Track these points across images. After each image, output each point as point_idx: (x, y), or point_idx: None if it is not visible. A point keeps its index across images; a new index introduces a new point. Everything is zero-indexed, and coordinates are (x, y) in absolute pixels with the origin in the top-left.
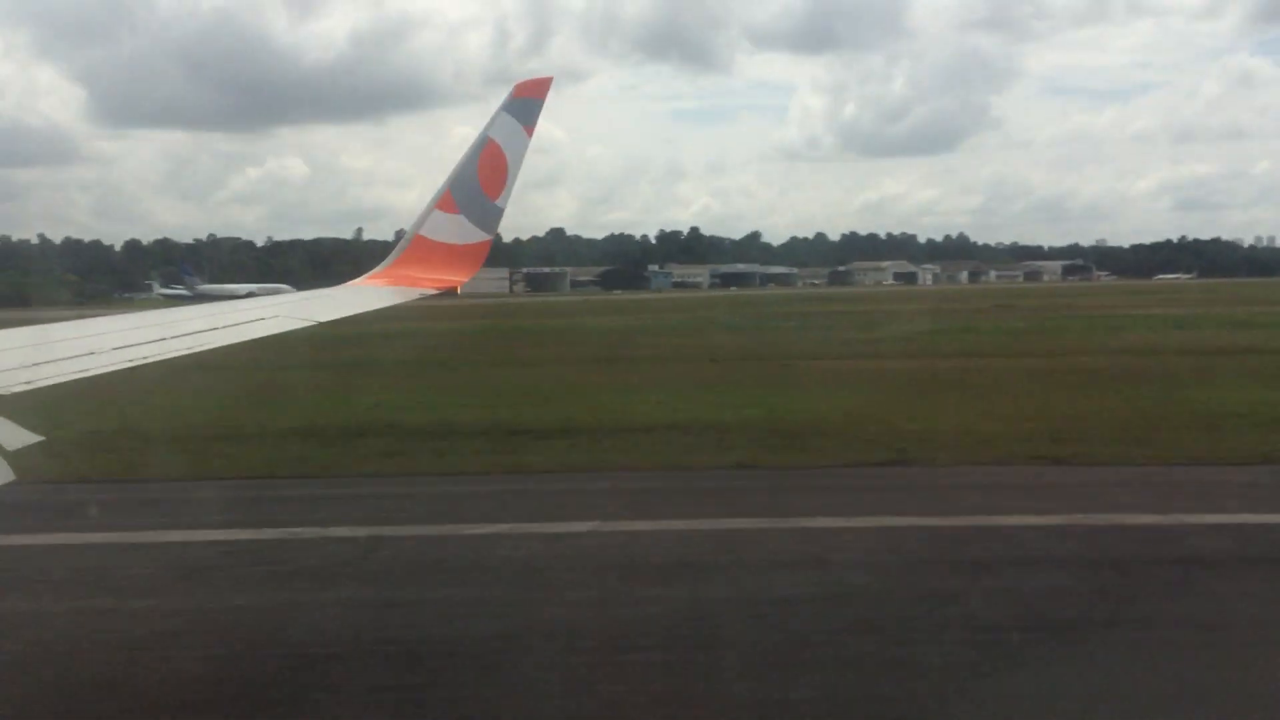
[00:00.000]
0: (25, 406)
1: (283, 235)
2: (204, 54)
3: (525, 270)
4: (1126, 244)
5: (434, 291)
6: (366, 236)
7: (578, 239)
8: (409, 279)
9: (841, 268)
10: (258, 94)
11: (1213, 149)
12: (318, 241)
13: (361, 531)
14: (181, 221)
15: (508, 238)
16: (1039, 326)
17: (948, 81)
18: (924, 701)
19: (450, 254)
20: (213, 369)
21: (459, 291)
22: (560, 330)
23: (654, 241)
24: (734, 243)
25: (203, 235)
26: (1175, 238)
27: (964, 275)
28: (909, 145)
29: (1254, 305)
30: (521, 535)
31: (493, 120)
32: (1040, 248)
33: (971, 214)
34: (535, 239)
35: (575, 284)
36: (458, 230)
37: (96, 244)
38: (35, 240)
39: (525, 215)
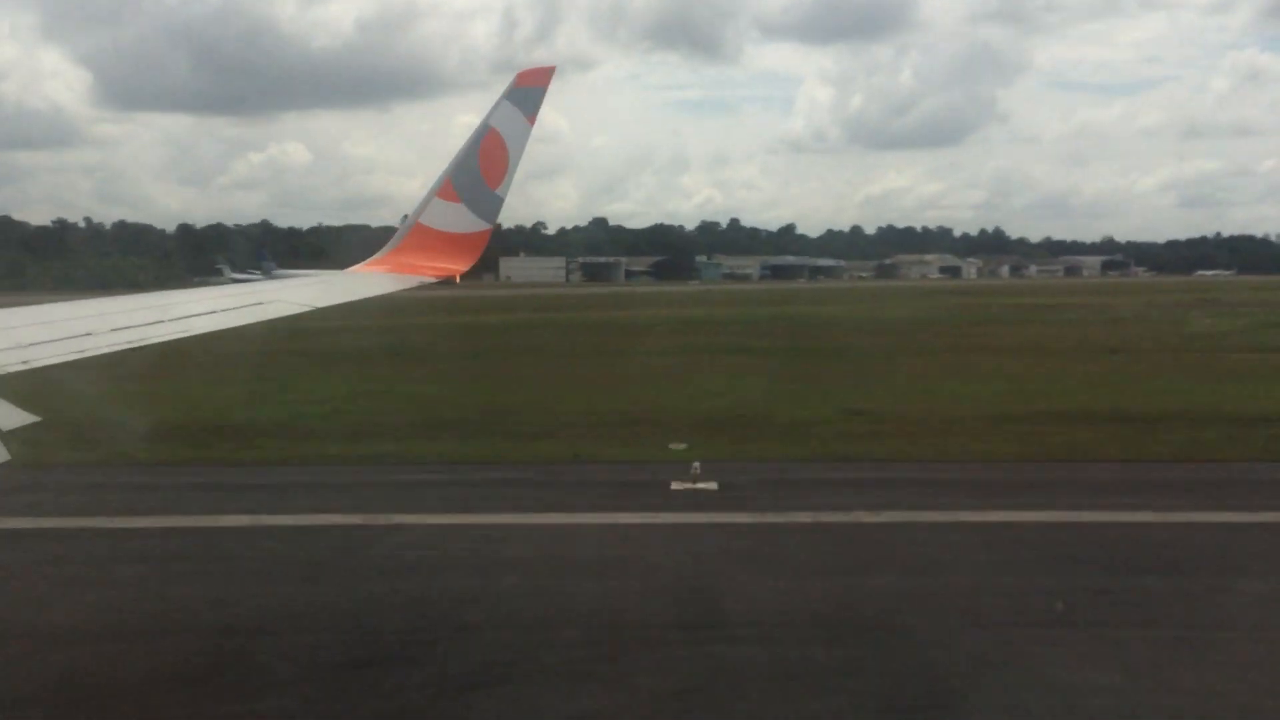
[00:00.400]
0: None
1: (283, 222)
2: (210, 38)
3: (581, 260)
4: (1161, 240)
5: (433, 279)
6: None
7: (620, 229)
8: (409, 266)
9: (888, 261)
10: (263, 79)
11: (1219, 145)
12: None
13: None
14: (182, 206)
15: (552, 227)
16: None
17: (956, 74)
18: None
19: (450, 242)
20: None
21: (458, 280)
22: (826, 322)
23: (690, 231)
24: (770, 234)
25: (204, 220)
26: (1205, 234)
27: (1005, 270)
28: (915, 138)
29: None
30: None
31: (494, 109)
32: (1076, 242)
33: (975, 209)
34: (578, 228)
35: (629, 274)
36: (458, 219)
37: (149, 228)
38: (82, 224)
39: (528, 205)
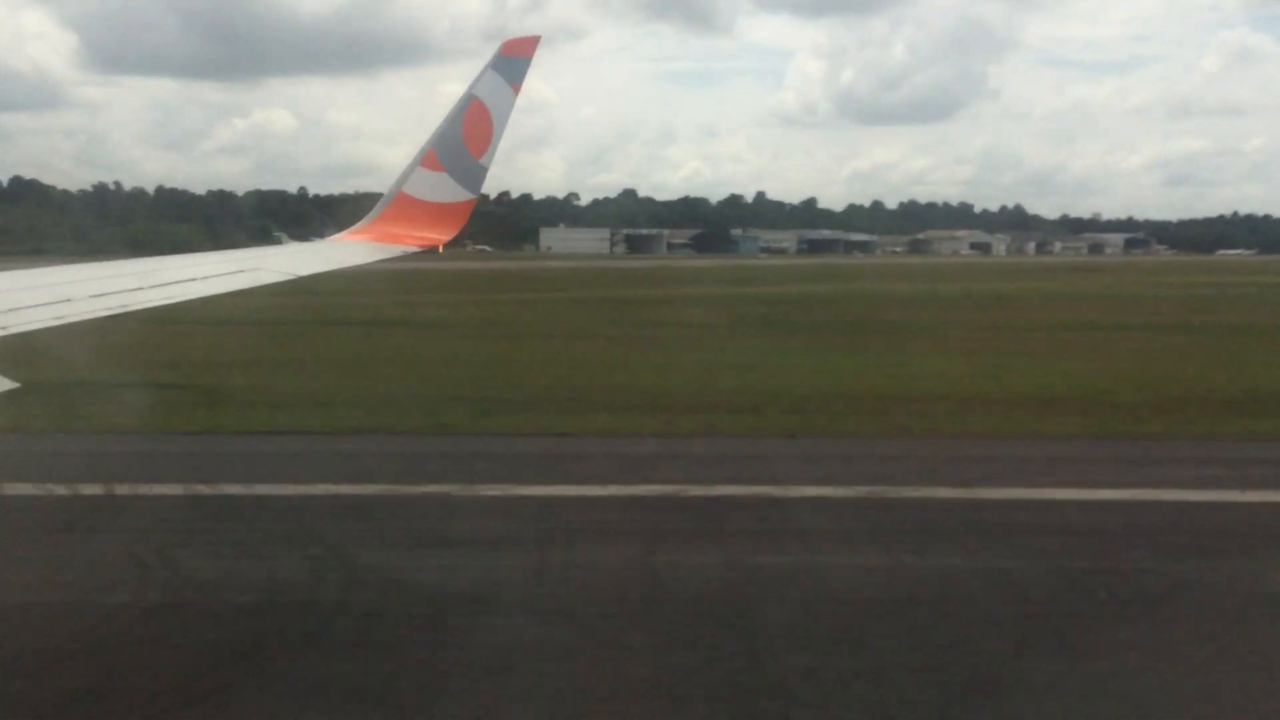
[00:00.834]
0: None
1: (267, 188)
2: (198, 2)
3: (625, 232)
4: (1175, 219)
5: (416, 249)
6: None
7: (651, 200)
8: (391, 235)
9: (921, 236)
10: (250, 44)
11: (1207, 124)
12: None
13: None
14: (164, 171)
15: (585, 198)
16: None
17: (948, 50)
18: None
19: (434, 212)
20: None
21: (440, 250)
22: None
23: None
24: (794, 208)
25: (187, 185)
26: (1230, 213)
27: (1031, 247)
28: (906, 113)
29: None
30: None
31: (479, 78)
32: (1094, 220)
33: (963, 185)
34: (607, 199)
35: (671, 246)
36: (442, 188)
37: (184, 193)
38: (111, 186)
39: (515, 175)
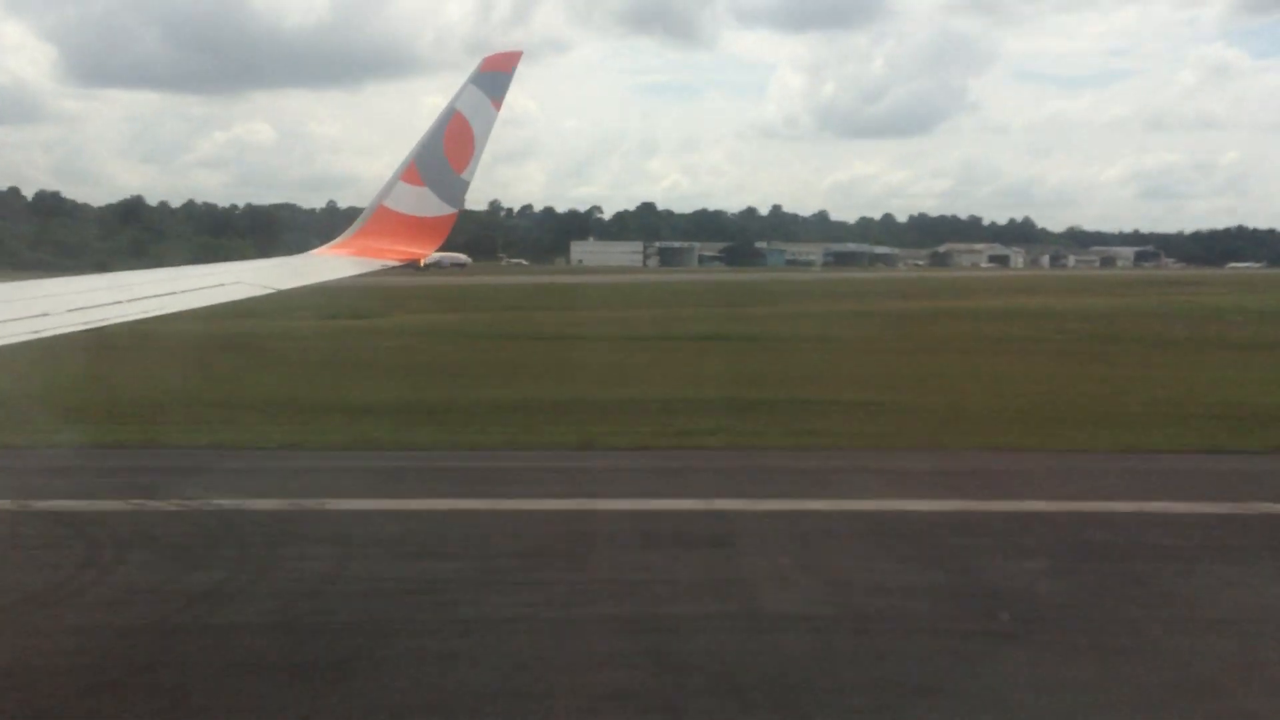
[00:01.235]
0: None
1: (243, 202)
2: (181, 14)
3: (658, 244)
4: (1184, 231)
5: (397, 263)
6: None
7: (670, 213)
8: (372, 250)
9: (941, 249)
10: (233, 56)
11: (1182, 138)
12: None
13: None
14: (143, 184)
15: (609, 209)
16: None
17: (929, 63)
18: None
19: (414, 226)
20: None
21: (421, 265)
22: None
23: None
24: (806, 220)
25: (168, 199)
26: (1234, 226)
27: (1045, 260)
28: (886, 127)
29: None
30: None
31: (460, 92)
32: (1099, 233)
33: (939, 197)
34: (628, 212)
35: (702, 259)
36: (422, 202)
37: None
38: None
39: (495, 188)
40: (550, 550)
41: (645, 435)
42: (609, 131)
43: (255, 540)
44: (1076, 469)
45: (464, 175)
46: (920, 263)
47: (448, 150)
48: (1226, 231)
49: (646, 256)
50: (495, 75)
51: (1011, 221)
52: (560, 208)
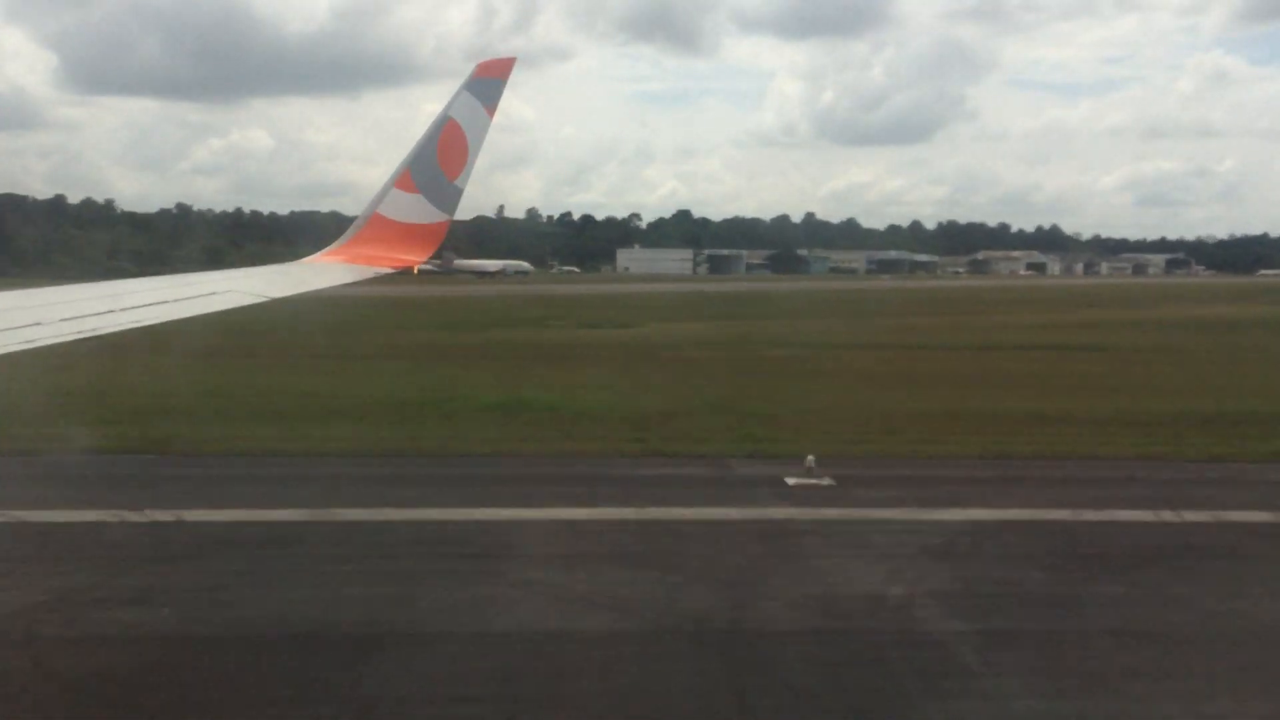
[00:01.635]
0: None
1: (243, 208)
2: (181, 22)
3: (708, 252)
4: (1211, 239)
5: (390, 270)
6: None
7: (706, 221)
8: (366, 257)
9: (980, 256)
10: (234, 64)
11: (1180, 146)
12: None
13: None
14: (138, 191)
15: (646, 216)
16: None
17: (928, 71)
18: None
19: (408, 233)
20: None
21: (415, 272)
22: None
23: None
24: (835, 227)
25: (164, 206)
26: (1271, 233)
27: (1079, 267)
28: (885, 134)
29: None
30: None
31: (454, 100)
32: (1124, 240)
33: (936, 204)
34: (663, 219)
35: (749, 267)
36: (416, 210)
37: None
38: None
39: (489, 195)
40: None
41: None
42: (605, 139)
43: None
44: None
45: (457, 182)
46: (960, 270)
47: (441, 158)
48: (1246, 239)
49: (696, 264)
50: (489, 81)
51: (1039, 229)
52: (576, 213)
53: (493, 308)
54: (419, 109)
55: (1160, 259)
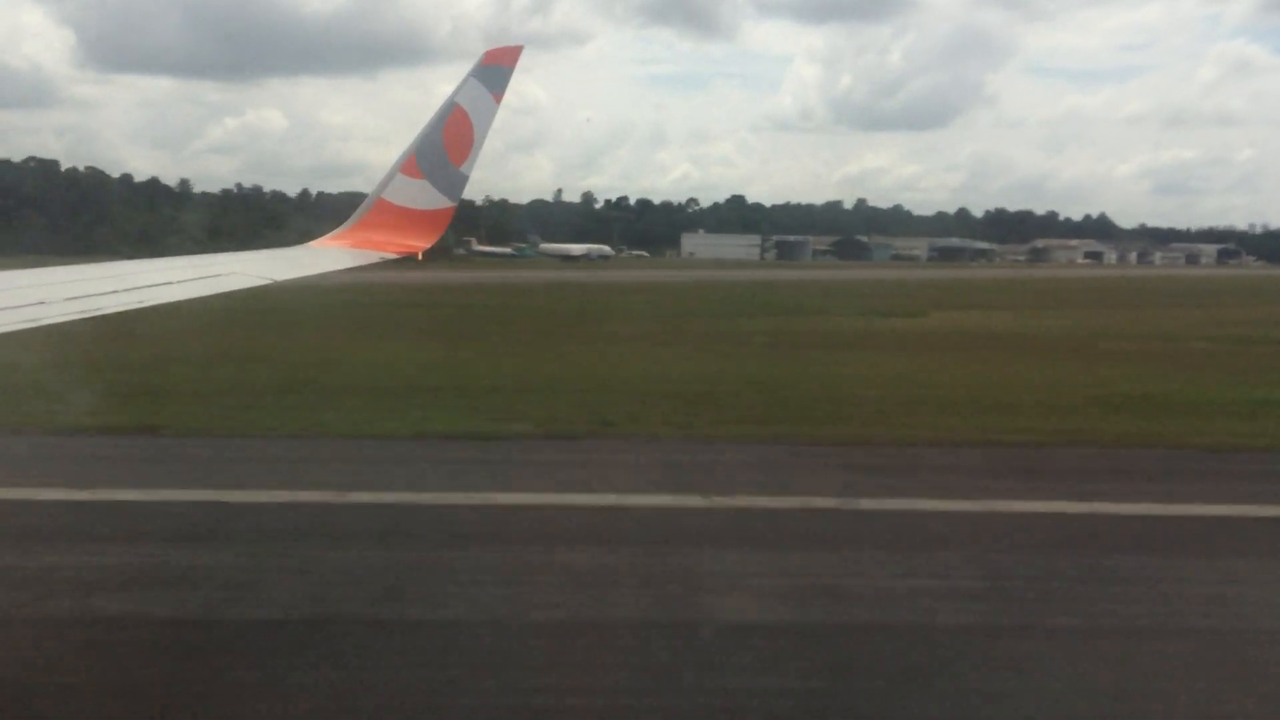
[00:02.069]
0: None
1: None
2: (199, 1)
3: (775, 238)
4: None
5: (394, 256)
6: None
7: (760, 205)
8: (370, 242)
9: (1039, 244)
10: (251, 44)
11: (1200, 134)
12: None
13: None
14: (151, 170)
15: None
16: None
17: (947, 57)
18: None
19: (413, 219)
20: None
21: (419, 257)
22: None
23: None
24: (882, 212)
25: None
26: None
27: (1133, 256)
28: (903, 120)
29: None
30: None
31: (461, 86)
32: (1172, 229)
33: (952, 191)
34: (716, 204)
35: (815, 253)
36: (422, 195)
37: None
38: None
39: (504, 179)
40: None
41: None
42: (621, 122)
43: None
44: None
45: (463, 169)
46: (1019, 258)
47: (447, 143)
48: None
49: (764, 250)
50: (496, 69)
51: (1087, 218)
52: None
53: (686, 296)
54: (435, 90)
55: (1211, 249)
